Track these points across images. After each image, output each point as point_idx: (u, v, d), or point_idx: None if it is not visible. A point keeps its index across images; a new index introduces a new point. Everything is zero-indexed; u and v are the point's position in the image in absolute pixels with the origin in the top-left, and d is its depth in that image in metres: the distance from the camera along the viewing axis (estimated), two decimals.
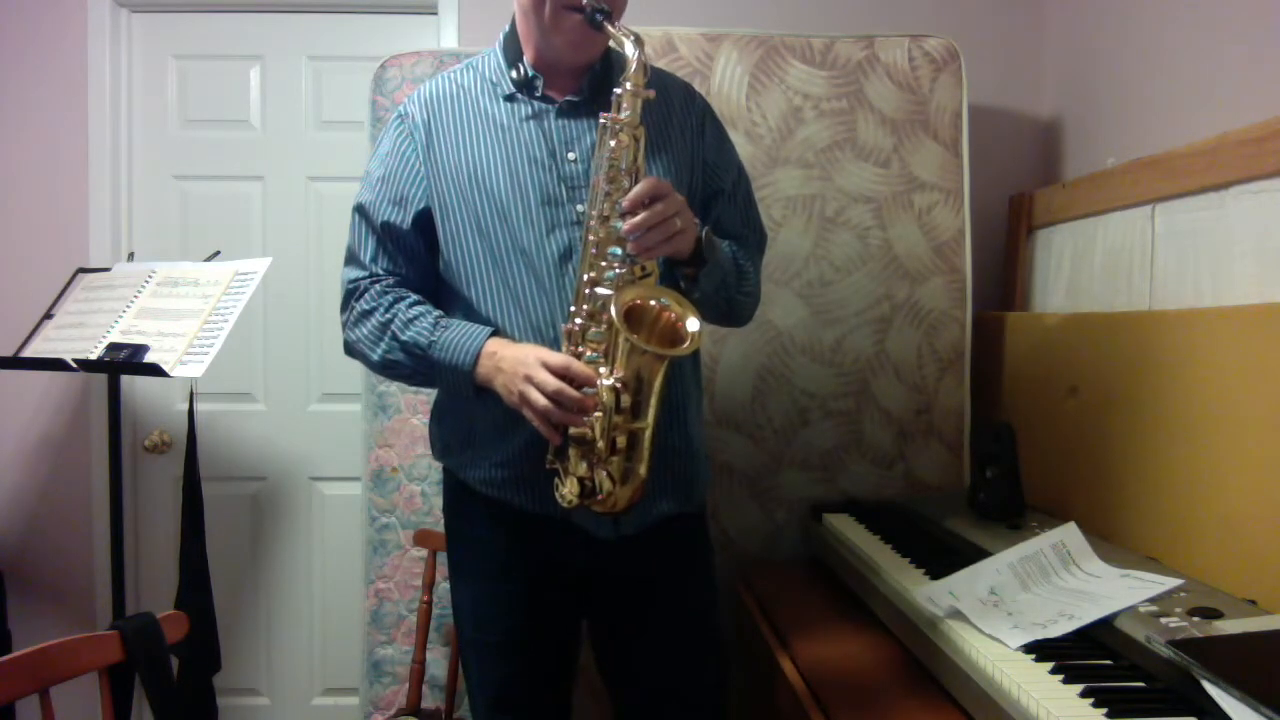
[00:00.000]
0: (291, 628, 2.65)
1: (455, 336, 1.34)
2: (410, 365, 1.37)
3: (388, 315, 1.38)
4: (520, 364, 1.26)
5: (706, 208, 1.49)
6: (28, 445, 2.55)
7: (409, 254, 1.42)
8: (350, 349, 1.45)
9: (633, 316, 1.26)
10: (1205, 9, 1.77)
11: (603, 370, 1.25)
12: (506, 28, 1.46)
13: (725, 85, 2.15)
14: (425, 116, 1.42)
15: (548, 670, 1.47)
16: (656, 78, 1.40)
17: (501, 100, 1.42)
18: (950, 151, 2.17)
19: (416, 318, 1.37)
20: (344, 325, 1.44)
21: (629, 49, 1.28)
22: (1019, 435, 1.72)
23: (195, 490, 2.34)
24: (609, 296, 1.25)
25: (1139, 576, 1.26)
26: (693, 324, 1.25)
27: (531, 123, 1.40)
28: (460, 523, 1.50)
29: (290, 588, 2.65)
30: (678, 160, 1.44)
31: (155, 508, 2.60)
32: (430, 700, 2.11)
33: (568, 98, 1.41)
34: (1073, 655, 1.08)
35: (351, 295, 1.42)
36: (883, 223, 2.16)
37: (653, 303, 1.28)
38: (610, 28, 1.29)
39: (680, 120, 1.47)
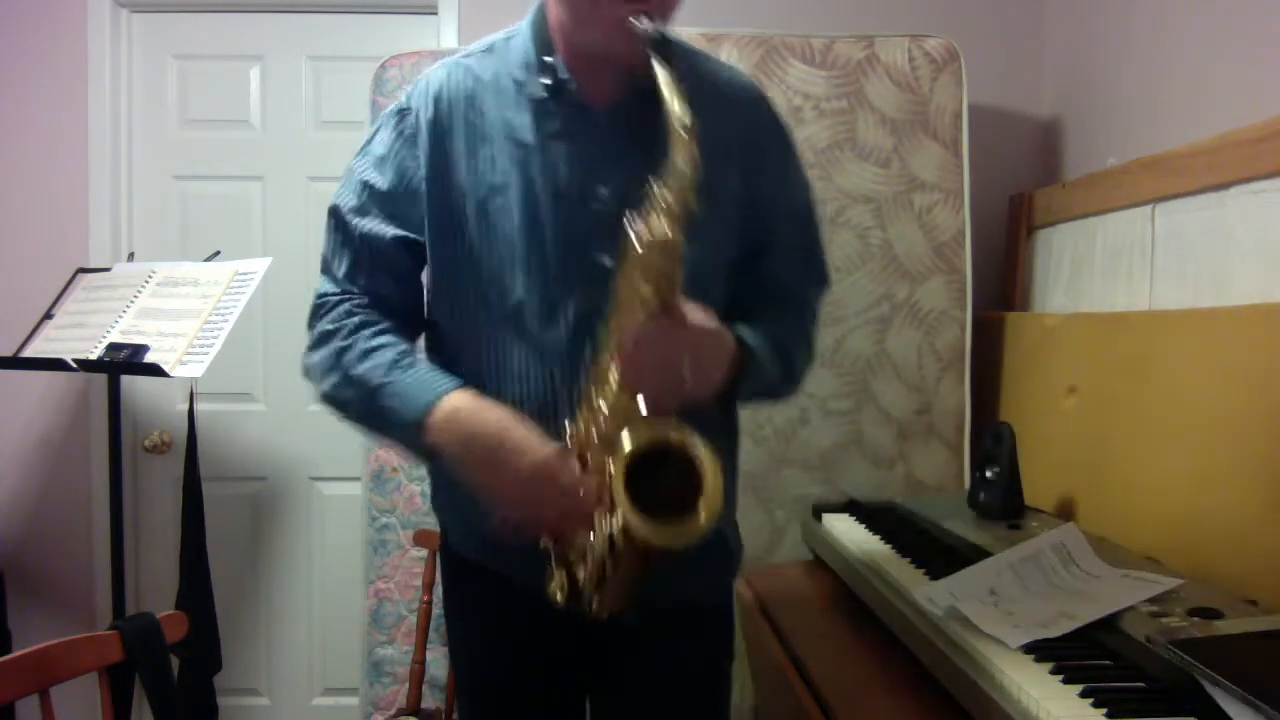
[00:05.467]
0: (291, 628, 2.65)
1: (413, 381, 1.08)
2: (357, 406, 1.11)
3: (345, 342, 1.12)
4: (510, 445, 1.01)
5: (756, 256, 1.20)
6: (28, 445, 2.55)
7: (394, 272, 1.17)
8: (305, 373, 1.17)
9: (647, 457, 0.99)
10: (1205, 9, 1.77)
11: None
12: (534, 11, 1.17)
13: None
14: (433, 118, 1.15)
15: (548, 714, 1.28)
16: (707, 80, 1.15)
17: (527, 105, 1.13)
18: (950, 151, 2.17)
19: (375, 349, 1.10)
20: (306, 346, 1.17)
21: (664, 91, 0.97)
22: (1019, 435, 1.72)
23: (195, 490, 2.35)
24: (617, 425, 1.00)
25: (1139, 576, 1.26)
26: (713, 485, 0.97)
27: (561, 143, 1.11)
28: (452, 598, 1.31)
29: (290, 588, 2.65)
30: (719, 208, 1.12)
31: (155, 508, 2.60)
32: (430, 700, 2.11)
33: (604, 111, 1.12)
34: (1073, 655, 1.08)
35: (317, 312, 1.16)
36: (883, 223, 2.16)
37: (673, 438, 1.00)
38: (660, 65, 0.99)
39: (730, 147, 1.15)
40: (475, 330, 1.14)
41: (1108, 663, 1.06)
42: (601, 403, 1.02)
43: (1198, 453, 1.42)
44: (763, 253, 1.20)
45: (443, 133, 1.14)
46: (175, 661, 1.97)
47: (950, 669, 1.18)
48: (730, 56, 2.15)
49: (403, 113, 1.18)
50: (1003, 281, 2.40)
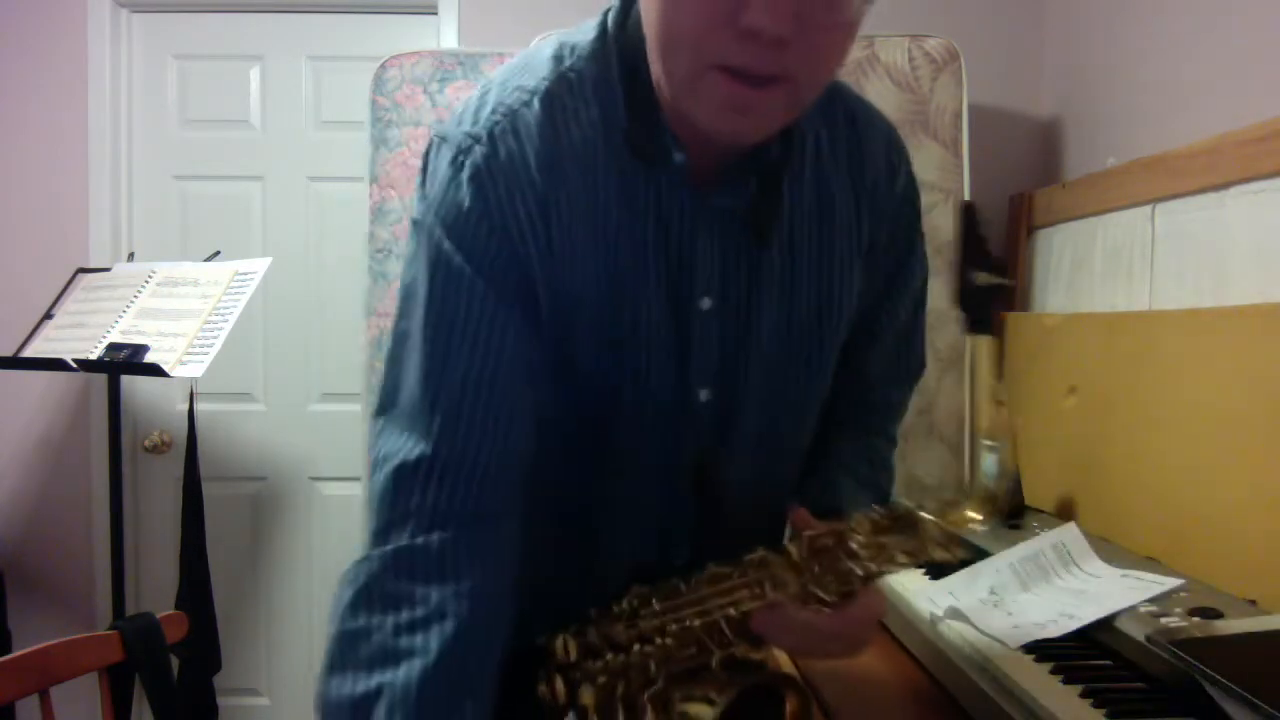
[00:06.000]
0: (291, 628, 2.65)
1: None
2: None
3: (382, 679, 0.70)
4: None
5: (854, 348, 0.98)
6: (28, 445, 2.55)
7: (504, 413, 0.79)
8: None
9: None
10: (1205, 9, 1.77)
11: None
12: (614, 19, 0.83)
13: None
14: (541, 214, 0.79)
15: None
16: (851, 157, 0.90)
17: (620, 176, 0.81)
18: (950, 151, 2.17)
19: (433, 700, 0.70)
20: (343, 582, 0.78)
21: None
22: (1019, 435, 1.72)
23: (195, 490, 2.35)
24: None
25: (1139, 576, 1.26)
26: None
27: (657, 229, 0.81)
28: None
29: (290, 588, 2.65)
30: (844, 313, 0.90)
31: (155, 508, 2.60)
32: None
33: (717, 196, 0.82)
34: (1073, 655, 1.08)
35: (391, 498, 0.77)
36: None
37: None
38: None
39: (865, 242, 0.91)
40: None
41: (1108, 663, 1.06)
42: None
43: (1198, 452, 1.42)
44: (861, 346, 0.98)
45: (554, 237, 0.81)
46: (175, 661, 1.98)
47: (950, 669, 1.18)
48: None
49: (487, 217, 0.79)
50: None
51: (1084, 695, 0.97)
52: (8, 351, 2.24)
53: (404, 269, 0.84)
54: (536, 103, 0.80)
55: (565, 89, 0.81)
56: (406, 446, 0.77)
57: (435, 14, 2.52)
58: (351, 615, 0.75)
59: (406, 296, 0.83)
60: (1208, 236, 1.61)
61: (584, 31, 0.85)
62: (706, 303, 0.84)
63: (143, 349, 2.05)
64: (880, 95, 2.16)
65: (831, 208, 0.87)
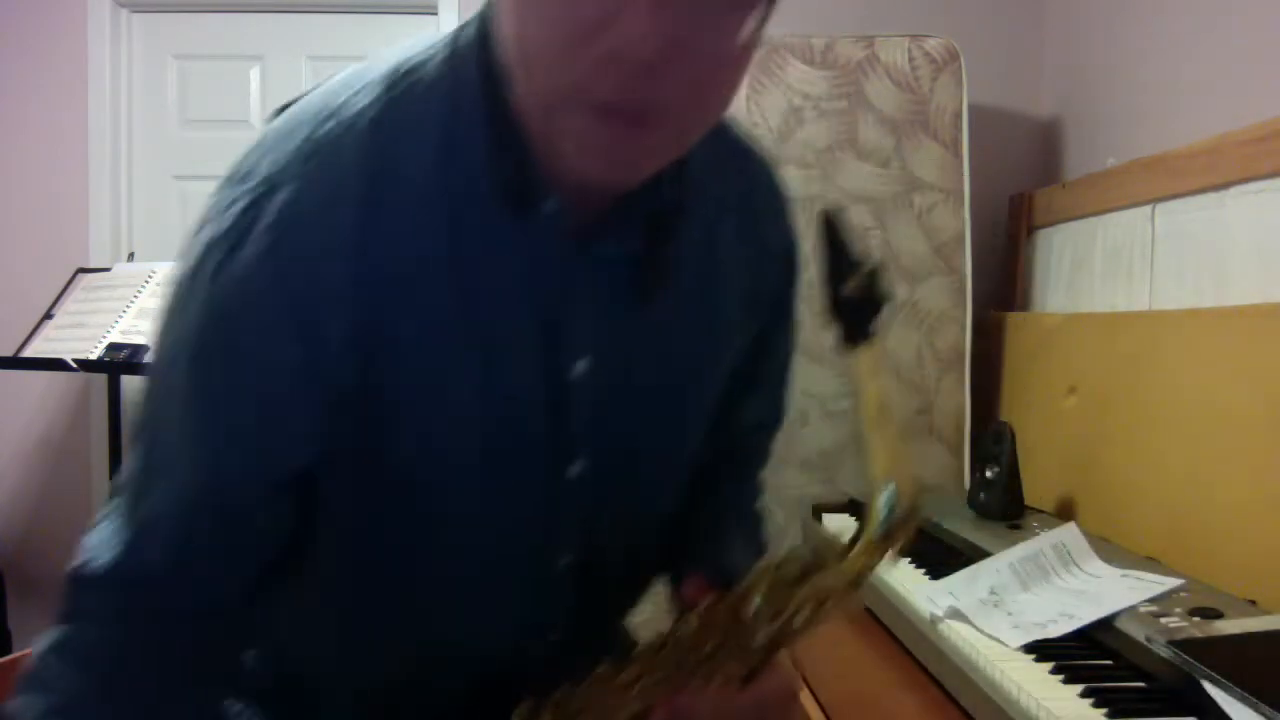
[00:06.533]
0: None
1: None
2: None
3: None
4: None
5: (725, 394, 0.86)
6: (28, 445, 2.55)
7: (233, 546, 0.67)
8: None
9: None
10: (1205, 9, 1.77)
11: None
12: (471, 34, 0.67)
13: None
14: (354, 276, 0.64)
15: None
16: (737, 174, 0.82)
17: (478, 223, 0.66)
18: (950, 151, 2.17)
19: None
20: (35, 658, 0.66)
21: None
22: (1019, 435, 1.72)
23: None
24: None
25: (1139, 576, 1.26)
26: None
27: (525, 284, 0.68)
28: None
29: None
30: (703, 350, 0.80)
31: None
32: None
33: (599, 246, 0.70)
34: (1073, 655, 1.08)
35: (73, 607, 0.67)
36: (883, 223, 2.16)
37: None
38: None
39: (743, 269, 0.82)
40: (378, 580, 0.75)
41: (1108, 663, 1.06)
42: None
43: (1198, 452, 1.42)
44: (738, 393, 0.89)
45: (374, 293, 0.66)
46: None
47: (950, 669, 1.18)
48: None
49: (272, 259, 0.64)
50: (1003, 281, 2.40)
51: (1084, 695, 0.97)
52: (8, 351, 2.24)
53: (155, 333, 0.68)
54: (355, 139, 0.64)
55: (399, 119, 0.65)
56: (106, 546, 0.68)
57: (435, 14, 2.52)
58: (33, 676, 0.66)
59: (154, 365, 0.68)
60: (1208, 236, 1.61)
61: (428, 49, 0.68)
62: (581, 365, 0.71)
63: (143, 349, 2.05)
64: (880, 95, 2.16)
65: (721, 256, 0.78)
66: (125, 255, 2.53)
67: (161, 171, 2.60)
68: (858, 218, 2.15)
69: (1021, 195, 2.36)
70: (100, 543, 0.68)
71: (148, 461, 0.68)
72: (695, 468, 0.86)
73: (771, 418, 0.97)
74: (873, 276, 0.65)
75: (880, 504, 0.68)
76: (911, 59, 2.17)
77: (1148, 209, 1.79)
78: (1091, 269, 2.01)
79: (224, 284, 0.63)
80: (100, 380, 2.41)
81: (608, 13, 0.55)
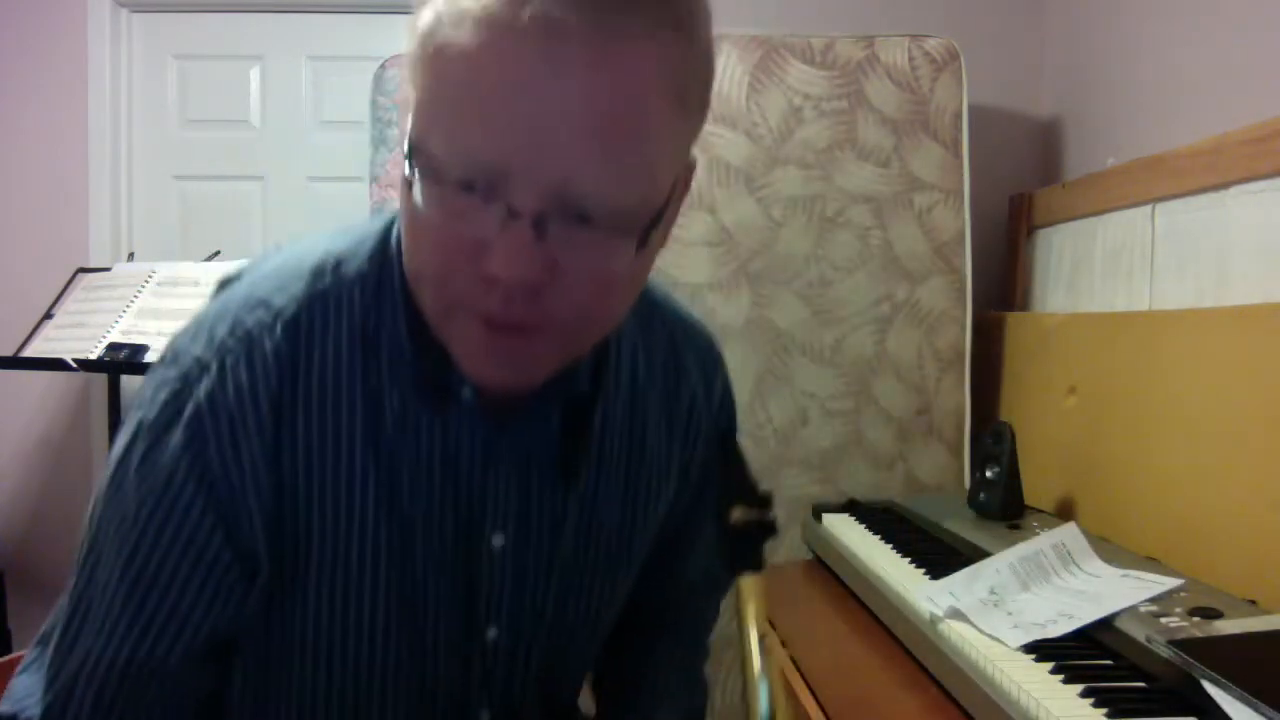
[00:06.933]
0: None
1: None
2: None
3: None
4: None
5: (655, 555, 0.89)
6: (28, 445, 2.56)
7: (151, 708, 0.70)
8: None
9: None
10: (1205, 9, 1.77)
11: None
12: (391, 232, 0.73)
13: (725, 85, 2.15)
14: (272, 464, 0.68)
15: None
16: (664, 353, 0.84)
17: (398, 411, 0.71)
18: (950, 151, 2.17)
19: None
20: None
21: None
22: (1019, 435, 1.72)
23: None
24: None
25: (1139, 576, 1.26)
26: None
27: (444, 467, 0.72)
28: None
29: None
30: (625, 523, 0.82)
31: None
32: None
33: (516, 432, 0.74)
34: (1073, 655, 1.08)
35: None
36: (883, 223, 2.16)
37: None
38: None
39: (667, 445, 0.84)
40: None
41: (1108, 663, 1.06)
42: None
43: (1198, 452, 1.42)
44: (672, 556, 0.91)
45: (289, 461, 0.71)
46: None
47: (950, 669, 1.18)
48: (730, 57, 2.15)
49: (197, 428, 0.68)
50: (1003, 281, 2.40)
51: (1084, 695, 0.97)
52: (8, 351, 2.25)
53: (95, 498, 0.73)
54: (280, 329, 0.68)
55: (321, 312, 0.69)
56: (35, 700, 0.72)
57: None
58: None
59: (92, 527, 0.72)
60: (1208, 236, 1.61)
61: (359, 240, 0.73)
62: (499, 539, 0.75)
63: (143, 349, 2.05)
64: (880, 95, 2.16)
65: (644, 434, 0.80)
66: (125, 255, 2.53)
67: (161, 171, 2.60)
68: (858, 218, 2.15)
69: (1021, 195, 2.36)
70: (26, 694, 0.74)
71: (72, 619, 0.71)
72: (625, 621, 0.88)
73: (709, 579, 0.97)
74: (766, 504, 0.67)
75: (760, 709, 0.67)
76: (911, 59, 2.17)
77: (1148, 209, 1.79)
78: (1091, 269, 2.01)
79: (148, 474, 0.68)
80: (100, 380, 2.41)
81: (487, 236, 0.58)
